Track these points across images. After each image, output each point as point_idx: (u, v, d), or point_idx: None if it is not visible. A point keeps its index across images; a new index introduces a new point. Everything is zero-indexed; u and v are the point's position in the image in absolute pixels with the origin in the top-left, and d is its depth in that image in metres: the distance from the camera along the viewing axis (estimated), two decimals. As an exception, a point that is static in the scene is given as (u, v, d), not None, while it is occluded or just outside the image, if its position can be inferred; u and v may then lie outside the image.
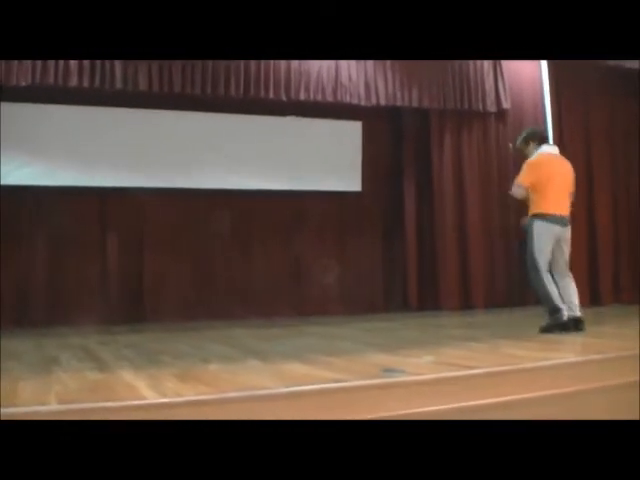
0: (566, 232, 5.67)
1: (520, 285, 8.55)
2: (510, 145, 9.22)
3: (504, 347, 4.84)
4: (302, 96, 8.03)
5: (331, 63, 8.11)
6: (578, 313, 5.56)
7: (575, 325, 5.50)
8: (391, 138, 9.21)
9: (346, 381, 3.53)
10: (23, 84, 6.89)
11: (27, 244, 7.66)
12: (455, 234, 8.94)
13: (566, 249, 5.70)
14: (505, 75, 9.09)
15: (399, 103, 8.50)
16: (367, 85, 8.32)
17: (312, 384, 3.49)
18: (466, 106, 8.83)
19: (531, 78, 9.35)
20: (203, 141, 8.17)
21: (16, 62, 6.76)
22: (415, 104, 8.55)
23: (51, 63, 6.93)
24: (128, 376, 3.87)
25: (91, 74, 7.11)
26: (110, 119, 7.88)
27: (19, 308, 7.48)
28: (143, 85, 7.38)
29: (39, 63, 6.88)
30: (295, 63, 7.96)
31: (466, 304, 8.70)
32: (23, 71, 6.84)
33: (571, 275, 5.72)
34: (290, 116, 8.48)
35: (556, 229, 5.58)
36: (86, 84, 7.12)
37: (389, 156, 9.20)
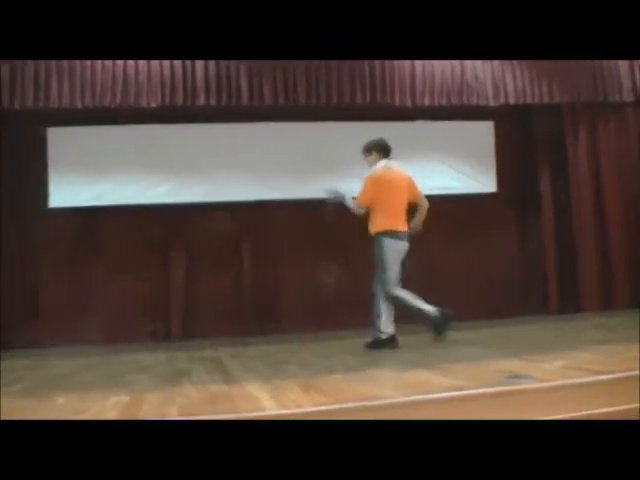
0: (406, 247, 5.79)
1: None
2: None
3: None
4: (427, 101, 7.93)
5: (456, 63, 7.96)
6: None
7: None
8: (523, 136, 8.90)
9: (467, 389, 3.45)
10: (153, 105, 7.16)
11: (164, 260, 7.95)
12: (595, 233, 8.57)
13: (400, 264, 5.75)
14: (640, 61, 8.63)
15: (529, 100, 8.23)
16: (495, 84, 8.11)
17: (431, 393, 3.43)
18: (600, 97, 8.43)
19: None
20: (333, 151, 8.12)
21: (145, 84, 7.06)
22: (546, 100, 8.26)
23: (179, 84, 7.18)
24: (251, 387, 3.93)
25: (217, 92, 7.31)
26: (242, 135, 8.07)
27: (155, 321, 7.77)
28: (269, 99, 7.51)
29: (167, 84, 7.14)
30: (419, 67, 7.87)
31: (610, 305, 8.32)
32: (152, 93, 7.12)
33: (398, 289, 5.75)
34: (419, 120, 8.38)
35: (402, 245, 5.73)
36: (213, 102, 7.33)
37: (522, 155, 8.90)
